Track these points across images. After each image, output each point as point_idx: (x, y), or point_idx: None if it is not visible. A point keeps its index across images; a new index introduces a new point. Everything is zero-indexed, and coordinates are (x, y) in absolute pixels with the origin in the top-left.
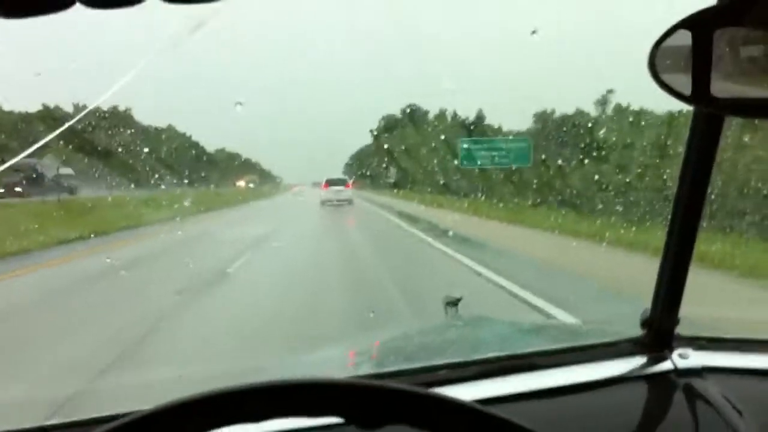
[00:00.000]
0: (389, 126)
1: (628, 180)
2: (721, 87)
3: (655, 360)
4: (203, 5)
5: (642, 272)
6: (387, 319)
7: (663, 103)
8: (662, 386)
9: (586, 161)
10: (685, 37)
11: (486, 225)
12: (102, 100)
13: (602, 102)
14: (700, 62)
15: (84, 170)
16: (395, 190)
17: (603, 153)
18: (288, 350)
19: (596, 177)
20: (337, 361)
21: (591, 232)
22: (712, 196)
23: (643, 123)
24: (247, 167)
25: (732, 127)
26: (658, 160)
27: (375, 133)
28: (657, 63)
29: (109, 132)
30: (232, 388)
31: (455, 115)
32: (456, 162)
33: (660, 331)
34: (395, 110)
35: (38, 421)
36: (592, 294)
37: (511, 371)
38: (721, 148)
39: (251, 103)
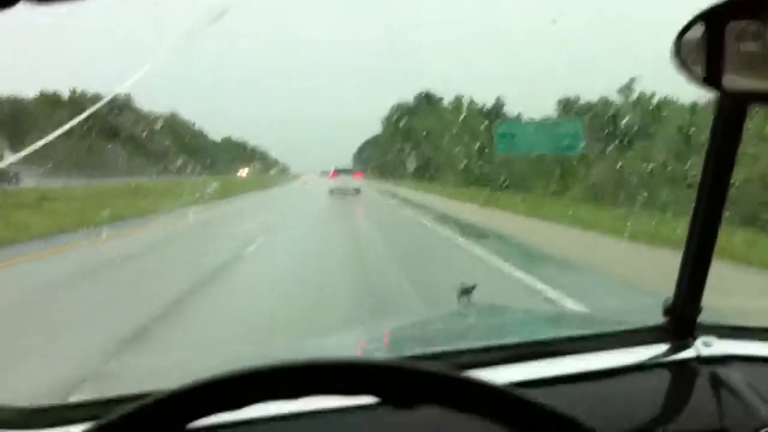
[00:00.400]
0: (402, 114)
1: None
2: (743, 76)
3: (678, 348)
4: None
5: None
6: None
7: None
8: (685, 374)
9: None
10: (708, 28)
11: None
12: (125, 86)
13: (626, 90)
14: (725, 52)
15: (59, 158)
16: (414, 180)
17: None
18: (298, 336)
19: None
20: (348, 347)
21: None
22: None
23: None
24: (254, 156)
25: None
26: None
27: (386, 121)
28: (681, 53)
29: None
30: (271, 365)
31: (472, 101)
32: (477, 149)
33: (683, 318)
34: (406, 98)
35: (59, 399)
36: None
37: (535, 357)
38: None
39: (259, 92)
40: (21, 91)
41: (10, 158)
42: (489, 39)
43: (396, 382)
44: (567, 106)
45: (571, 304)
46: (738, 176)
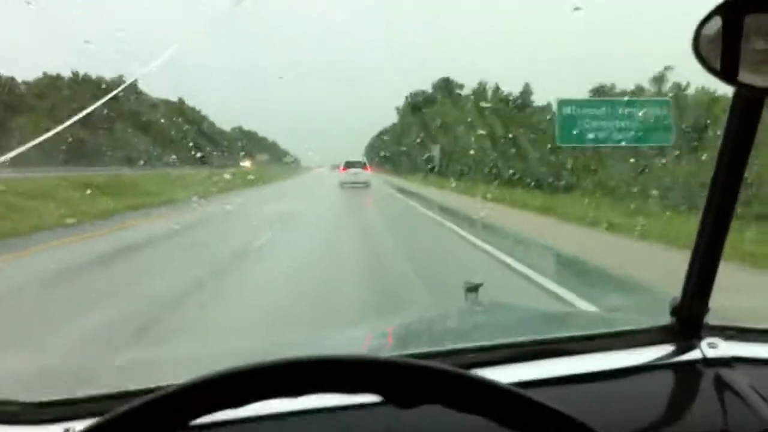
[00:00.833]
0: (419, 102)
1: None
2: (762, 69)
3: (683, 349)
4: None
5: None
6: None
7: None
8: (690, 375)
9: None
10: (726, 21)
11: None
12: (146, 71)
13: (659, 79)
14: (742, 45)
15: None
16: (435, 177)
17: None
18: (304, 331)
19: None
20: (355, 343)
21: None
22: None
23: None
24: (264, 147)
25: None
26: None
27: (402, 111)
28: (700, 46)
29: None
30: (274, 362)
31: (497, 88)
32: (512, 141)
33: (689, 319)
34: (423, 86)
35: (65, 392)
36: None
37: (541, 356)
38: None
39: (271, 83)
40: (20, 73)
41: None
42: (510, 26)
43: (398, 379)
44: (601, 94)
45: None
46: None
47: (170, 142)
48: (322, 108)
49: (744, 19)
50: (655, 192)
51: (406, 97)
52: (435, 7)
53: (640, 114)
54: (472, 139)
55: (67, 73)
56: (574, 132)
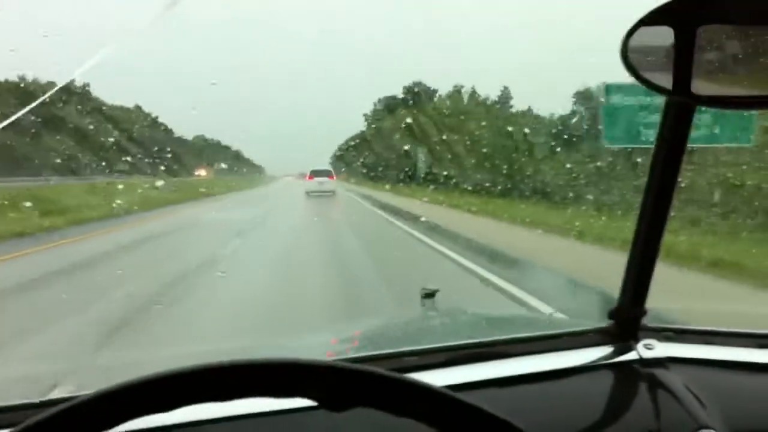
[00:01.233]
0: (390, 108)
1: None
2: (692, 78)
3: (620, 350)
4: None
5: None
6: None
7: None
8: (627, 376)
9: None
10: (655, 30)
11: None
12: (77, 74)
13: None
14: (672, 54)
15: None
16: (408, 187)
17: None
18: (270, 336)
19: None
20: (318, 347)
21: None
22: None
23: None
24: (227, 156)
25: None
26: None
27: (371, 117)
28: (628, 56)
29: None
30: (198, 366)
31: (474, 92)
32: (503, 147)
33: (627, 321)
34: (392, 91)
35: (39, 395)
36: None
37: (480, 359)
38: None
39: (234, 90)
40: None
41: None
42: (483, 29)
43: (328, 383)
44: (586, 98)
45: None
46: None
47: (113, 149)
48: (289, 116)
49: (672, 28)
50: (590, 196)
51: (375, 104)
52: (404, 10)
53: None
54: (452, 144)
55: None
56: (628, 128)
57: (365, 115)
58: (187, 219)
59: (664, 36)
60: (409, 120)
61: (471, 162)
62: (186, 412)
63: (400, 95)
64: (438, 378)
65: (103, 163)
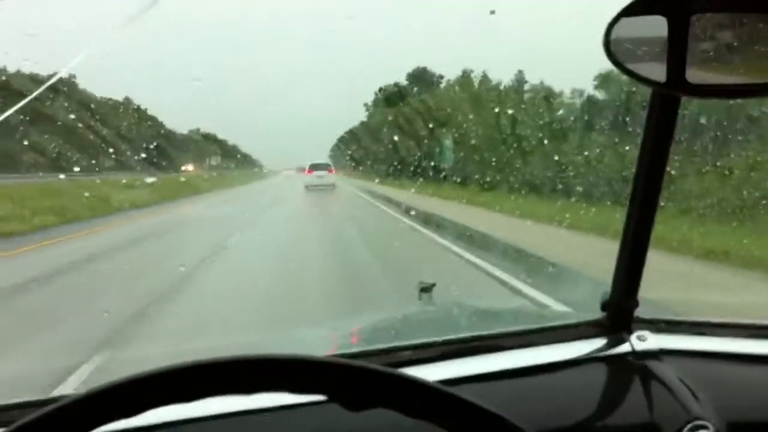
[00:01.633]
0: (393, 96)
1: None
2: (680, 69)
3: (613, 342)
4: None
5: None
6: None
7: None
8: (620, 368)
9: None
10: (643, 20)
11: None
12: (65, 70)
13: None
14: (662, 44)
15: None
16: (413, 181)
17: None
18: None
19: None
20: (318, 342)
21: None
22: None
23: None
24: (223, 151)
25: None
26: None
27: (372, 106)
28: (612, 45)
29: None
30: (216, 359)
31: (485, 77)
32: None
33: (619, 313)
34: (393, 79)
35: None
36: None
37: (475, 352)
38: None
39: (230, 82)
40: None
41: None
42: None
43: (312, 377)
44: (608, 81)
45: None
46: None
47: (97, 145)
48: (288, 109)
49: (654, 18)
50: (579, 188)
51: (376, 93)
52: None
53: None
54: (468, 133)
55: None
56: None
57: (366, 104)
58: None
59: (651, 25)
60: (419, 107)
61: (504, 155)
62: (179, 410)
63: (404, 82)
64: (433, 372)
65: (88, 160)
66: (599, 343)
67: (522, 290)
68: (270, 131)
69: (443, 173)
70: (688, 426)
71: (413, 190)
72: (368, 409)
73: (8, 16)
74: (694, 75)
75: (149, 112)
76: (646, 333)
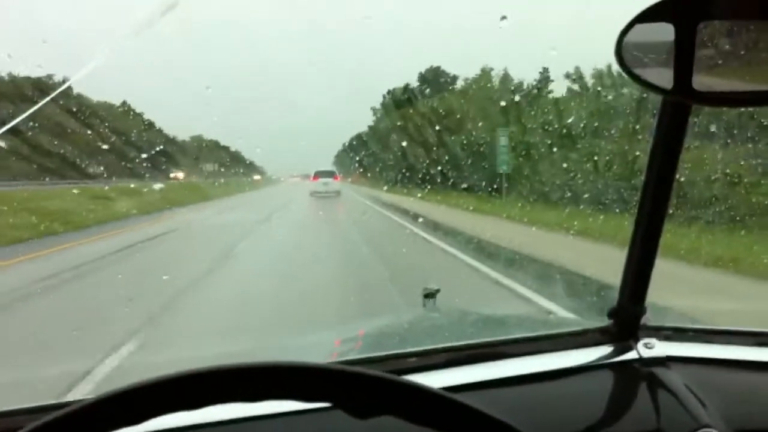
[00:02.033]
0: (403, 99)
1: None
2: (692, 75)
3: (620, 349)
4: None
5: None
6: None
7: None
8: (627, 375)
9: None
10: (653, 27)
11: None
12: (75, 78)
13: None
14: (671, 52)
15: None
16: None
17: None
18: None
19: None
20: (323, 349)
21: None
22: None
23: None
24: (226, 158)
25: None
26: None
27: (381, 110)
28: (624, 53)
29: None
30: (221, 367)
31: (506, 75)
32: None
33: (626, 320)
34: (402, 82)
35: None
36: None
37: (480, 359)
38: None
39: (232, 89)
40: None
41: None
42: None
43: (316, 385)
44: None
45: None
46: None
47: (86, 151)
48: (293, 116)
49: (668, 25)
50: (586, 196)
51: (384, 96)
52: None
53: None
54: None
55: None
56: None
57: (373, 108)
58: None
59: (662, 33)
60: (433, 108)
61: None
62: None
63: (415, 84)
64: (438, 379)
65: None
66: (606, 350)
67: None
68: (275, 138)
69: (493, 182)
70: None
71: (470, 208)
72: (373, 417)
73: (13, 19)
74: (701, 83)
75: (145, 117)
76: (652, 340)
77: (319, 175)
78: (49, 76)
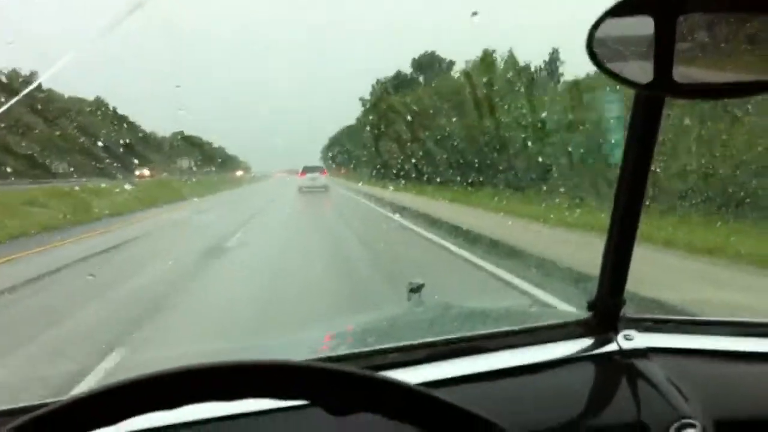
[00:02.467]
0: (394, 86)
1: None
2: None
3: (600, 341)
4: None
5: None
6: None
7: None
8: (607, 367)
9: None
10: (627, 21)
11: None
12: (46, 76)
13: None
14: (638, 46)
15: None
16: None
17: None
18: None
19: None
20: (305, 345)
21: None
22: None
23: None
24: (210, 154)
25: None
26: None
27: (371, 99)
28: (596, 48)
29: None
30: (195, 366)
31: (511, 56)
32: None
33: (606, 312)
34: (395, 69)
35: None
36: None
37: (461, 353)
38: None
39: (216, 83)
40: None
41: None
42: None
43: (292, 382)
44: None
45: None
46: None
47: (53, 148)
48: (279, 111)
49: (639, 19)
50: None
51: (373, 86)
52: None
53: None
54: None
55: None
56: None
57: (361, 99)
58: None
59: (637, 27)
60: (429, 93)
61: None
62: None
63: (408, 71)
64: (421, 374)
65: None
66: (586, 342)
67: None
68: (260, 133)
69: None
70: (676, 424)
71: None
72: (351, 414)
73: None
74: (680, 75)
75: (119, 112)
76: (632, 332)
77: (306, 170)
78: (16, 72)
